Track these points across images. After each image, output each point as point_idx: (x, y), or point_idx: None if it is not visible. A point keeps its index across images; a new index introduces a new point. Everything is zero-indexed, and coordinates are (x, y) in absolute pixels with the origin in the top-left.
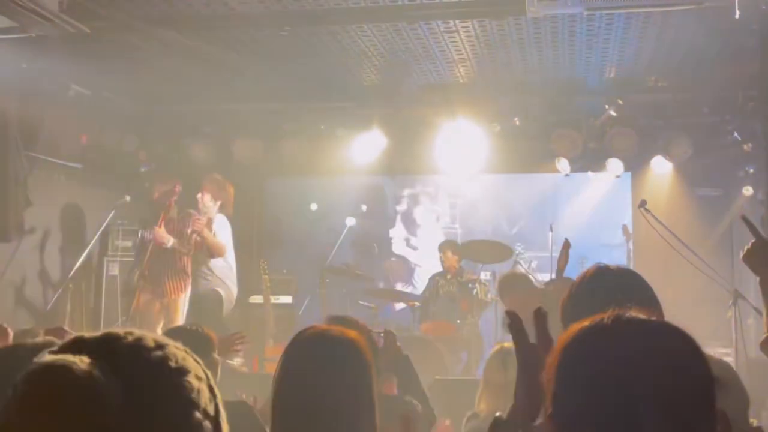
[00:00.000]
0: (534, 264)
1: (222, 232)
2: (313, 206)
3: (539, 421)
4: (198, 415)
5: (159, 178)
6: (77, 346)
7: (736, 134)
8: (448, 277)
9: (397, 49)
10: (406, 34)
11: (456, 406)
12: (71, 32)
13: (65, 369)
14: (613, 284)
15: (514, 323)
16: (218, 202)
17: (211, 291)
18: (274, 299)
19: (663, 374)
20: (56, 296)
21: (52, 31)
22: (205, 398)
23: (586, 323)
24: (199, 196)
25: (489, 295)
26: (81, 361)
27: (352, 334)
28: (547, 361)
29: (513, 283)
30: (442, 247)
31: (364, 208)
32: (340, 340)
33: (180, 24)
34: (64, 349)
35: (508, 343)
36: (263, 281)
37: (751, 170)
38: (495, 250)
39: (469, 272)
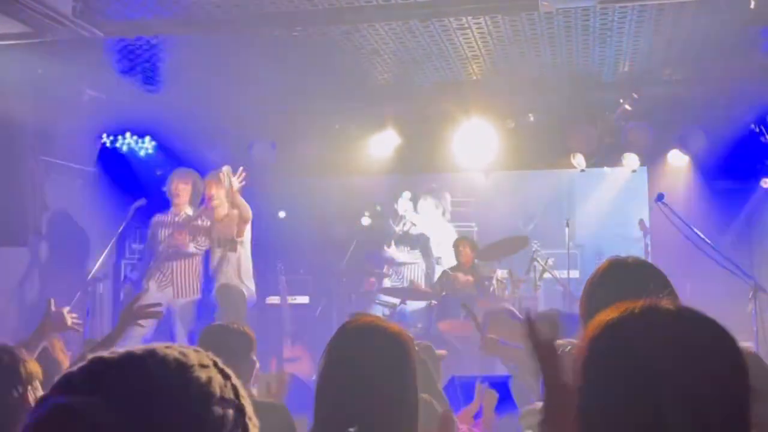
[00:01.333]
0: (551, 261)
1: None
2: (282, 214)
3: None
4: (217, 408)
5: (178, 175)
6: (95, 373)
7: (753, 126)
8: (466, 269)
9: (410, 48)
10: (419, 32)
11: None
12: (85, 36)
13: (72, 419)
14: (626, 276)
15: (528, 323)
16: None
17: (237, 285)
18: (291, 300)
19: (697, 363)
20: (74, 300)
21: (67, 35)
22: (229, 424)
23: (614, 314)
24: (212, 192)
25: (507, 292)
26: (89, 407)
27: (395, 326)
28: (578, 347)
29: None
30: (459, 243)
31: (378, 208)
32: (386, 331)
33: (192, 26)
34: (82, 376)
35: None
36: (280, 282)
37: None
38: (510, 243)
39: (485, 268)
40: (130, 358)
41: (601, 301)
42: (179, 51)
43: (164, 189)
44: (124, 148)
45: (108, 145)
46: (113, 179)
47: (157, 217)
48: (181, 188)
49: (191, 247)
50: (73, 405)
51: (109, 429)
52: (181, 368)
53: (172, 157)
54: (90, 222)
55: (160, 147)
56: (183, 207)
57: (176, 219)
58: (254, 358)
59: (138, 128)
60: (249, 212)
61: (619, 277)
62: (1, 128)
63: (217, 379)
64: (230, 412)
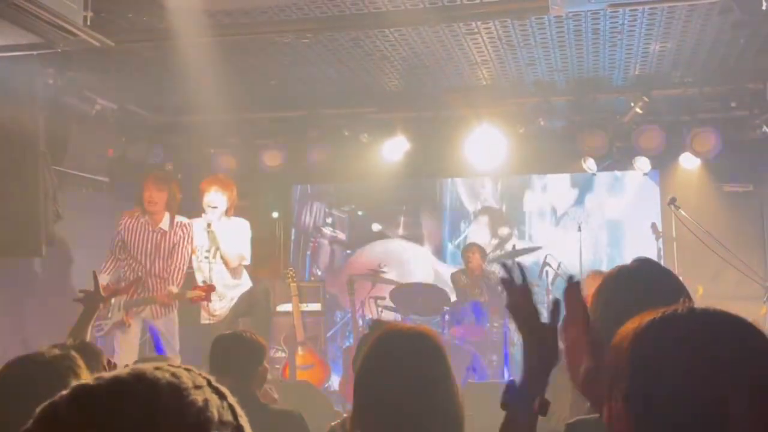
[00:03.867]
0: (562, 265)
1: (242, 237)
2: (275, 214)
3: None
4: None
5: (153, 180)
6: (82, 403)
7: (765, 128)
8: (476, 275)
9: (420, 53)
10: (428, 37)
11: (487, 409)
12: (96, 46)
13: None
14: (633, 281)
15: (505, 282)
16: (226, 195)
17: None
18: (303, 306)
19: (746, 361)
20: (97, 314)
21: (78, 45)
22: (216, 406)
23: (656, 315)
24: (209, 195)
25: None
26: None
27: (432, 331)
28: (612, 352)
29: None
30: (468, 250)
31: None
32: (424, 337)
33: (202, 34)
34: (67, 406)
35: None
36: (291, 289)
37: None
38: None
39: (496, 273)
40: (118, 385)
41: (622, 306)
42: (188, 59)
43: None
44: (135, 158)
45: (119, 154)
46: (124, 188)
47: (127, 221)
48: (155, 196)
49: (172, 310)
50: None
51: None
52: (176, 392)
53: (182, 165)
54: (102, 232)
55: (170, 156)
56: (159, 217)
57: (154, 235)
58: (266, 365)
59: (148, 137)
60: (234, 262)
61: (623, 285)
62: (14, 138)
63: (214, 400)
64: None
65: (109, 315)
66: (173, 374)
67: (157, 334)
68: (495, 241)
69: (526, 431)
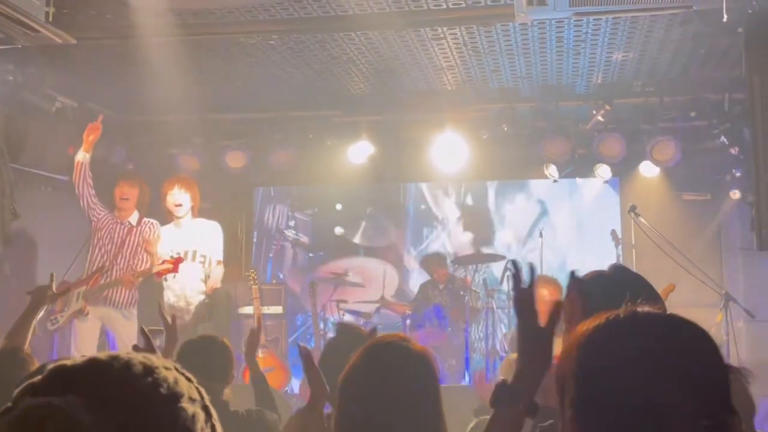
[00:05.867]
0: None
1: (217, 239)
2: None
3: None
4: (188, 406)
5: (125, 178)
6: (61, 378)
7: (723, 138)
8: (441, 287)
9: (386, 57)
10: (394, 41)
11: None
12: (58, 43)
13: (50, 415)
14: (604, 286)
15: (515, 274)
16: (189, 194)
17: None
18: (264, 309)
19: (683, 365)
20: (43, 309)
21: (39, 41)
22: (200, 422)
23: (599, 321)
24: (173, 193)
25: (480, 303)
26: (67, 404)
27: (419, 346)
28: (563, 360)
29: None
30: (429, 261)
31: (339, 207)
32: (411, 351)
33: (167, 33)
34: (47, 382)
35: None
36: (253, 291)
37: (738, 174)
38: (485, 257)
39: (462, 279)
40: (95, 362)
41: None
42: (152, 58)
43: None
44: (95, 156)
45: (78, 153)
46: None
47: (102, 216)
48: (127, 191)
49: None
50: (50, 402)
51: (86, 429)
52: (148, 370)
53: (144, 165)
54: (61, 231)
55: (132, 155)
56: (128, 213)
57: (121, 228)
58: (233, 373)
59: (109, 136)
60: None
61: (596, 289)
62: None
63: (182, 380)
64: (199, 410)
65: (66, 308)
66: (145, 356)
67: (114, 339)
68: (458, 247)
69: (512, 431)
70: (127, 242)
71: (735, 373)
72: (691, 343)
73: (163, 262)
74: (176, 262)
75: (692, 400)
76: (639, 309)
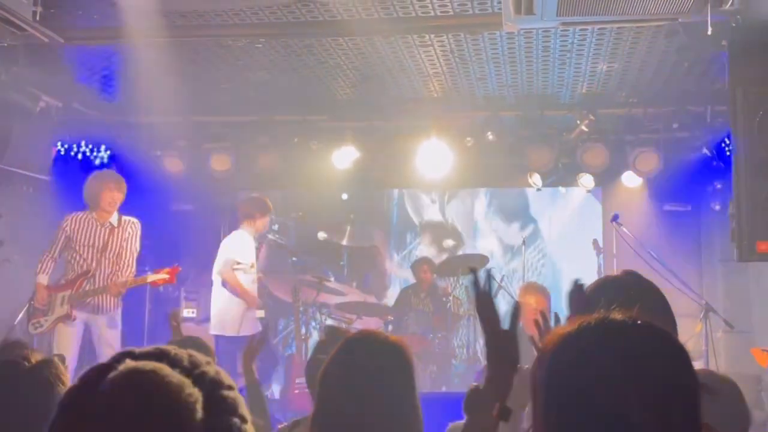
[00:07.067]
0: (505, 277)
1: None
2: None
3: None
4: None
5: (115, 183)
6: (155, 353)
7: (705, 150)
8: (422, 295)
9: (372, 63)
10: (381, 47)
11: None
12: (45, 42)
13: (158, 375)
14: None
15: (476, 283)
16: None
17: None
18: None
19: (648, 373)
20: (24, 309)
21: (26, 40)
22: (242, 407)
23: (571, 328)
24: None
25: (462, 310)
26: (166, 370)
27: (400, 340)
28: (536, 365)
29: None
30: (419, 264)
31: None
32: (386, 341)
33: (155, 35)
34: (147, 356)
35: None
36: None
37: (719, 185)
38: (471, 261)
39: (444, 287)
40: (159, 350)
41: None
42: (139, 59)
43: (91, 192)
44: (79, 157)
45: (62, 153)
46: (67, 188)
47: (73, 219)
48: (117, 197)
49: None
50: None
51: (194, 403)
52: (194, 363)
53: (126, 166)
54: (44, 231)
55: (115, 156)
56: (109, 214)
57: (103, 230)
58: None
59: (93, 137)
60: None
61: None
62: None
63: (222, 372)
64: (238, 395)
65: (50, 312)
66: (189, 353)
67: (97, 339)
68: (442, 254)
69: None
70: (110, 245)
71: (729, 384)
72: (659, 353)
73: (159, 271)
74: (172, 272)
75: (657, 411)
76: (611, 317)
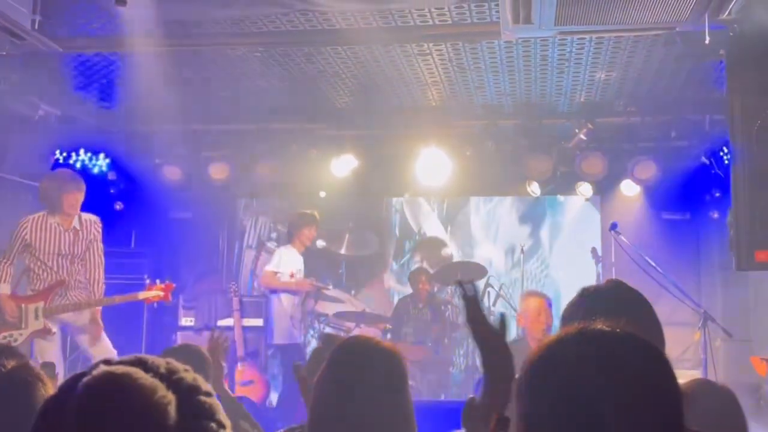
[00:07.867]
0: (504, 286)
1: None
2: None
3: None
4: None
5: (75, 185)
6: (131, 359)
7: (703, 158)
8: (420, 306)
9: (371, 72)
10: (380, 56)
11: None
12: (44, 51)
13: (131, 378)
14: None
15: (466, 294)
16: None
17: None
18: (245, 322)
19: (625, 380)
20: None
21: (25, 49)
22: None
23: (552, 338)
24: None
25: (461, 318)
26: (139, 373)
27: (393, 346)
28: (520, 373)
29: None
30: (416, 275)
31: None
32: (379, 347)
33: (153, 43)
34: (121, 360)
35: None
36: (233, 303)
37: (718, 194)
38: (469, 269)
39: (446, 297)
40: (137, 358)
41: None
42: (137, 67)
43: (50, 194)
44: (78, 165)
45: (61, 161)
46: None
47: (32, 223)
48: (80, 198)
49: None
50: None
51: (167, 405)
52: (171, 370)
53: (125, 174)
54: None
55: (114, 164)
56: (72, 218)
57: (68, 236)
58: (210, 381)
59: (92, 145)
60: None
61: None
62: None
63: (200, 378)
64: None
65: (23, 325)
66: (166, 360)
67: (73, 333)
68: (440, 263)
69: None
70: (77, 250)
71: (726, 393)
72: (638, 363)
73: (151, 288)
74: (167, 289)
75: (633, 418)
76: (591, 327)
